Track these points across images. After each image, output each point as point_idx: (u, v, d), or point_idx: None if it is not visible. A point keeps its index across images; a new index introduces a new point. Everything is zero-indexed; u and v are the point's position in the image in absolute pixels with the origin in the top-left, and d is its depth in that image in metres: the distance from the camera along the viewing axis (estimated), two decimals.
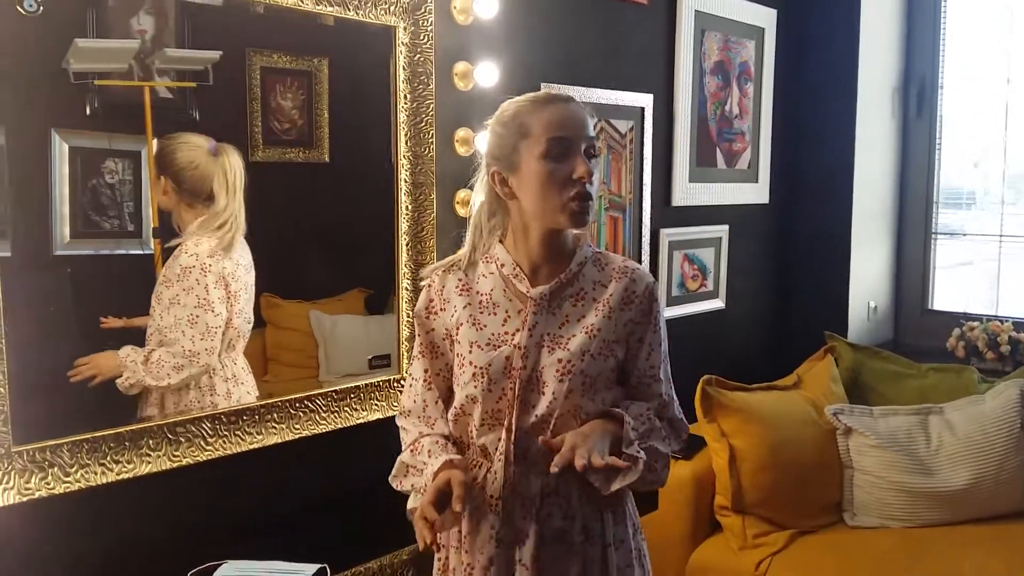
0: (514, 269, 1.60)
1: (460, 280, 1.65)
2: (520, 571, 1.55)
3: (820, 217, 3.68)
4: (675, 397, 1.68)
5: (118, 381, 1.81)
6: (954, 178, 3.81)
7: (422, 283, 1.73)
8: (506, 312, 1.59)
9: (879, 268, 3.79)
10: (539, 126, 1.53)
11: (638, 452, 1.51)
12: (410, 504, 1.66)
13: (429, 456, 1.60)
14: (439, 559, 1.69)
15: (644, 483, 1.57)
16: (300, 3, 2.00)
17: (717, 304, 3.38)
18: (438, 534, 1.48)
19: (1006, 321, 3.39)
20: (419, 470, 1.61)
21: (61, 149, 1.69)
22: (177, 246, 1.92)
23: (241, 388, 2.01)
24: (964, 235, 3.79)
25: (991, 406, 2.81)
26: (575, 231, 1.63)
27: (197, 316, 1.92)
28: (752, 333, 3.63)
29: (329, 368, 2.18)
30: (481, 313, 1.60)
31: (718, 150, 3.34)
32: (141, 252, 1.84)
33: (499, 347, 1.56)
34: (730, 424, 2.67)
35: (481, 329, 1.59)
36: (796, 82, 3.67)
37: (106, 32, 1.75)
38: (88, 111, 1.73)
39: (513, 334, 1.57)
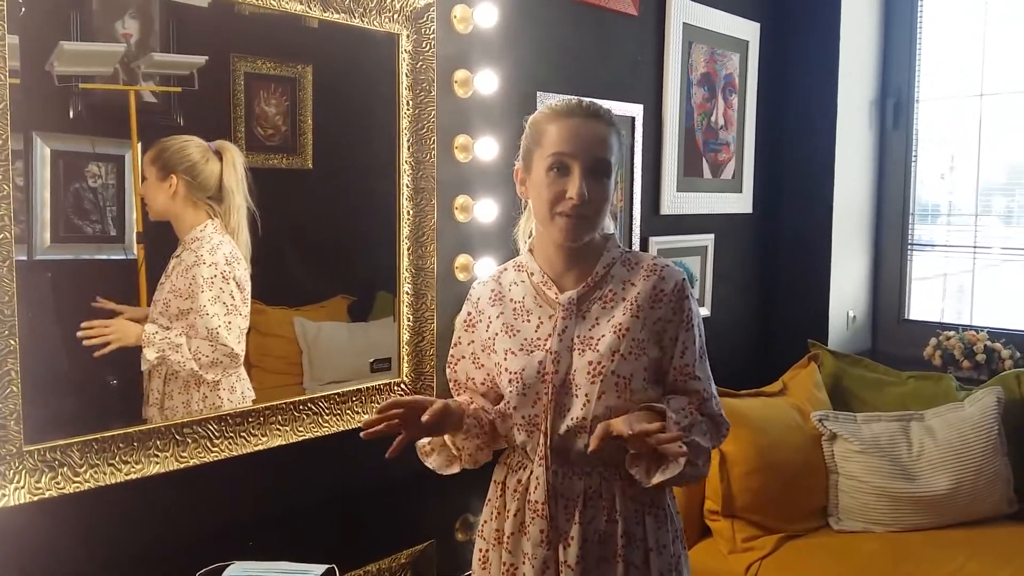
0: (542, 276, 1.62)
1: (493, 291, 1.67)
2: (565, 572, 1.54)
3: (801, 227, 3.75)
4: (716, 395, 1.64)
5: (145, 352, 1.81)
6: (929, 190, 3.90)
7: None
8: (538, 318, 1.60)
9: (857, 278, 3.87)
10: (548, 138, 1.55)
11: (681, 445, 1.45)
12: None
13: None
14: (479, 550, 1.68)
15: (685, 478, 1.54)
16: (308, 10, 2.03)
17: (703, 312, 3.43)
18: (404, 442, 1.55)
19: (981, 331, 3.47)
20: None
21: (43, 152, 1.67)
22: (183, 252, 1.90)
23: (243, 383, 2.02)
24: (939, 246, 3.88)
25: (970, 412, 2.87)
26: (603, 235, 1.64)
27: (231, 322, 1.93)
28: (736, 341, 3.69)
29: (313, 375, 2.18)
30: (515, 320, 1.62)
31: (704, 160, 3.40)
32: (124, 257, 1.82)
33: (532, 352, 1.57)
34: None
35: (514, 335, 1.60)
36: (778, 94, 3.74)
37: (90, 35, 1.73)
38: (71, 114, 1.71)
39: (546, 339, 1.57)
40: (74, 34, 1.70)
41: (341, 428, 2.17)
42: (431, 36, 2.29)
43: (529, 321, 1.61)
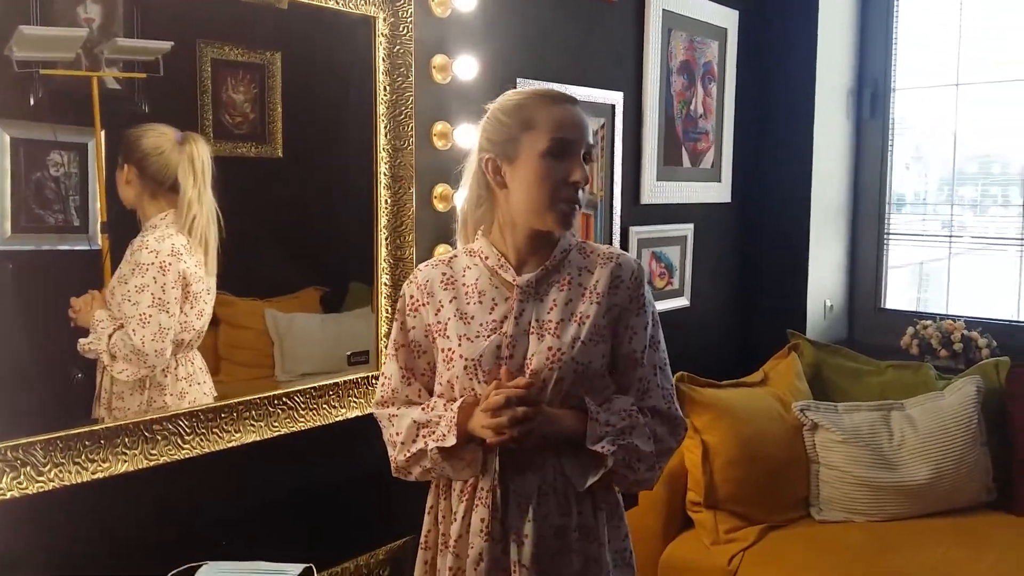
0: (499, 260, 1.59)
1: (444, 274, 1.63)
2: (520, 572, 1.51)
3: (780, 217, 3.73)
4: (669, 389, 1.63)
5: (81, 340, 1.74)
6: (903, 179, 3.89)
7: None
8: (492, 300, 1.58)
9: (834, 267, 3.86)
10: (545, 122, 1.54)
11: (604, 448, 1.49)
12: (431, 445, 1.54)
13: (444, 409, 1.55)
14: (424, 561, 1.65)
15: (625, 483, 1.57)
16: None
17: (683, 302, 3.40)
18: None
19: (958, 320, 3.47)
20: (434, 424, 1.55)
21: (2, 140, 1.61)
22: (135, 239, 1.82)
23: (197, 388, 1.93)
24: (916, 235, 3.88)
25: (950, 402, 2.87)
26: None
27: (150, 316, 1.83)
28: (716, 330, 3.66)
29: (285, 367, 2.12)
30: (467, 304, 1.58)
31: (684, 149, 3.36)
32: (88, 248, 1.75)
33: (489, 336, 1.54)
34: (702, 420, 2.69)
35: (468, 322, 1.57)
36: (757, 83, 3.71)
37: (51, 19, 1.66)
38: (32, 101, 1.64)
39: (501, 322, 1.55)
40: (34, 18, 1.63)
41: (318, 423, 2.10)
42: (408, 19, 2.23)
43: (482, 303, 1.58)
